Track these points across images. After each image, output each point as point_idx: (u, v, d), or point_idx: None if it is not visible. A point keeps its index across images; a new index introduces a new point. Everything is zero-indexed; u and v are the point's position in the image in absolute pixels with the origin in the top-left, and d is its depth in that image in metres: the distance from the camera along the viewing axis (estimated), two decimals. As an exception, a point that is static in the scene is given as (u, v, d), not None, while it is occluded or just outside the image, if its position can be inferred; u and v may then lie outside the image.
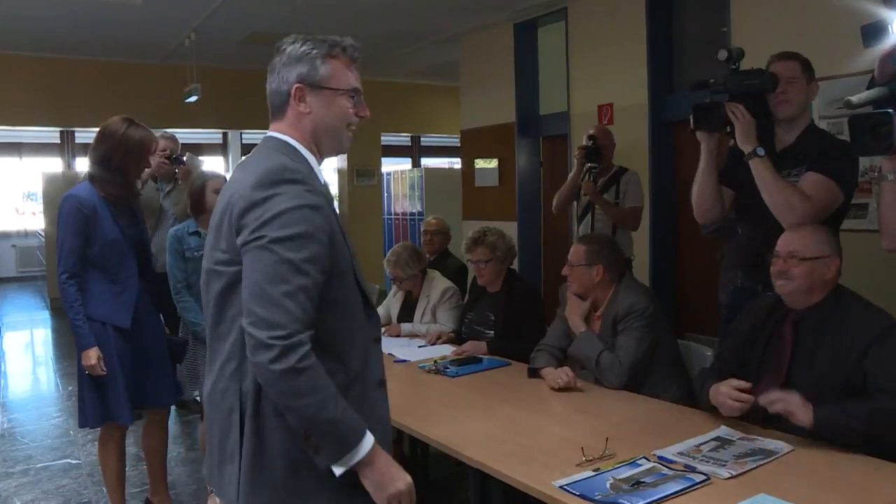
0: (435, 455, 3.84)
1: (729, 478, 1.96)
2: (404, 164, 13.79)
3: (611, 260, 3.10)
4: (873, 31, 2.42)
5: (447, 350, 3.66)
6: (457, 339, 3.90)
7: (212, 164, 10.98)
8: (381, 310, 4.29)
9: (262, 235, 1.54)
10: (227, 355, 1.67)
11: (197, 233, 3.70)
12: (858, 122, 2.25)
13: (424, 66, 10.00)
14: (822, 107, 4.41)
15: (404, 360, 3.51)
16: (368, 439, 1.60)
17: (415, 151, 13.51)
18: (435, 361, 3.37)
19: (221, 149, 12.05)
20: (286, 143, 1.72)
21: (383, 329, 3.53)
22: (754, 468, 2.03)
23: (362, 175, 11.23)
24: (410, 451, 3.92)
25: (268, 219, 1.54)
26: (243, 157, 1.80)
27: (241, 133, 12.00)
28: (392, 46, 8.62)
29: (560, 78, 6.67)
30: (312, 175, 1.68)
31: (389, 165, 12.71)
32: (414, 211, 9.81)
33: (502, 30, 7.27)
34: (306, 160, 1.71)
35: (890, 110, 2.18)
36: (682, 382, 2.95)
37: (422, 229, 5.39)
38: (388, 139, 12.31)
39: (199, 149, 10.42)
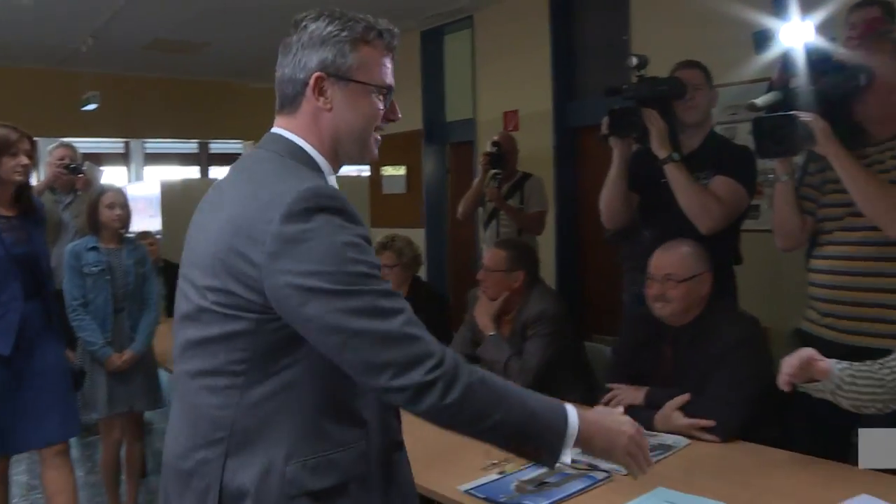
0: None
1: (629, 473, 2.00)
2: (313, 173, 13.68)
3: (530, 266, 3.11)
4: (763, 37, 2.53)
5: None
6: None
7: (113, 175, 10.64)
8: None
9: (334, 289, 1.22)
10: (214, 418, 1.31)
11: (96, 248, 3.58)
12: (760, 126, 2.35)
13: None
14: (717, 113, 4.57)
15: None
16: (571, 411, 1.35)
17: (323, 159, 13.41)
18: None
19: (123, 158, 11.67)
20: (297, 146, 1.39)
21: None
22: (653, 463, 2.07)
23: (268, 184, 10.97)
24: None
25: (327, 265, 1.22)
26: (234, 164, 1.49)
27: (143, 142, 11.65)
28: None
29: (466, 85, 6.73)
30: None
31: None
32: (323, 219, 9.73)
33: (409, 37, 7.27)
34: (320, 171, 1.40)
35: (791, 113, 2.29)
36: (587, 383, 3.00)
37: (330, 238, 5.33)
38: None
39: (99, 158, 10.02)
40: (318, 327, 1.23)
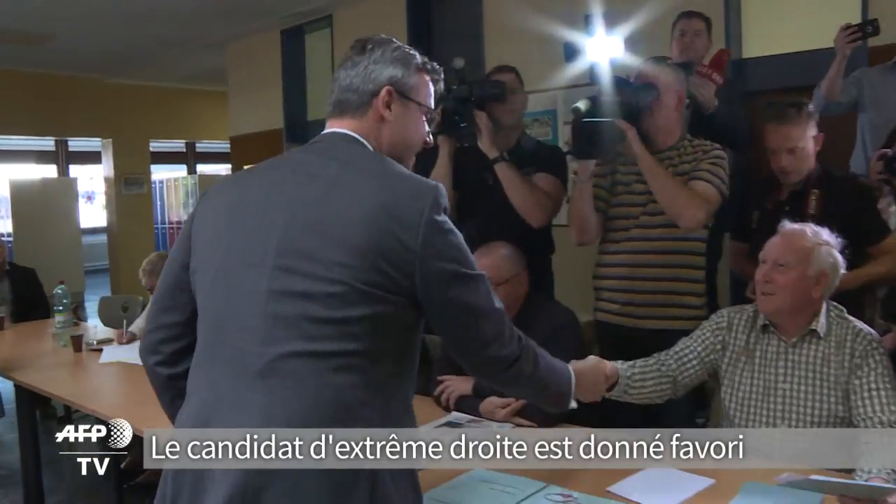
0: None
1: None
2: (180, 171, 13.32)
3: None
4: (571, 50, 2.72)
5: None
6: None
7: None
8: (139, 321, 4.16)
9: (470, 274, 1.42)
10: (360, 396, 1.34)
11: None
12: (578, 128, 2.54)
13: (194, 71, 9.70)
14: (567, 114, 4.82)
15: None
16: (570, 368, 1.75)
17: (190, 158, 13.11)
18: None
19: (-32, 156, 11.06)
20: (368, 148, 1.49)
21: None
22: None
23: (130, 183, 10.60)
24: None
25: (463, 253, 1.42)
26: (314, 149, 1.52)
27: (-9, 140, 11.06)
28: (156, 51, 8.25)
29: (327, 84, 6.72)
30: None
31: (163, 173, 12.22)
32: (189, 219, 9.54)
33: (269, 36, 7.25)
34: None
35: (605, 119, 2.49)
36: (427, 376, 3.10)
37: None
38: (160, 146, 11.83)
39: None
40: (457, 305, 1.42)
